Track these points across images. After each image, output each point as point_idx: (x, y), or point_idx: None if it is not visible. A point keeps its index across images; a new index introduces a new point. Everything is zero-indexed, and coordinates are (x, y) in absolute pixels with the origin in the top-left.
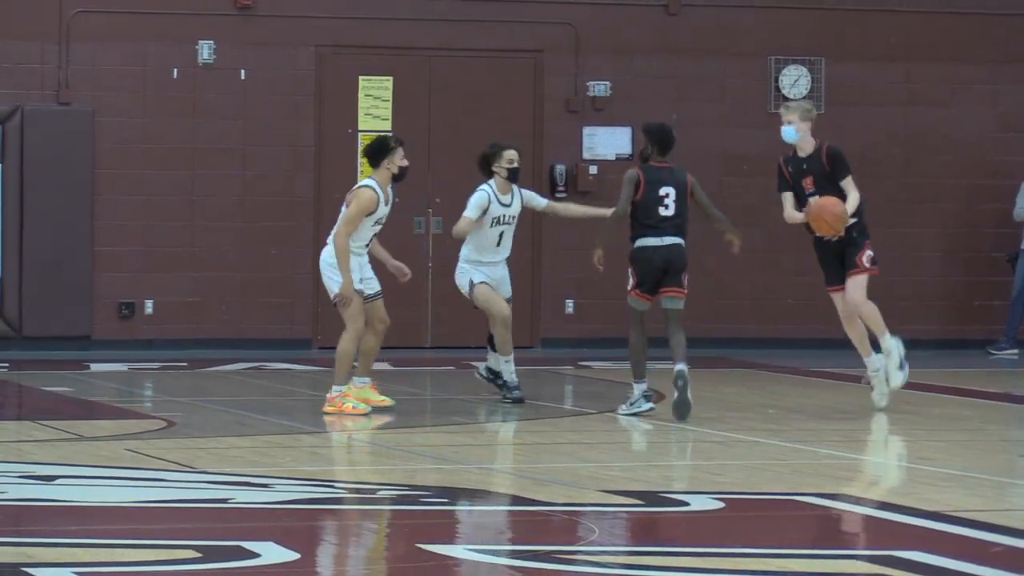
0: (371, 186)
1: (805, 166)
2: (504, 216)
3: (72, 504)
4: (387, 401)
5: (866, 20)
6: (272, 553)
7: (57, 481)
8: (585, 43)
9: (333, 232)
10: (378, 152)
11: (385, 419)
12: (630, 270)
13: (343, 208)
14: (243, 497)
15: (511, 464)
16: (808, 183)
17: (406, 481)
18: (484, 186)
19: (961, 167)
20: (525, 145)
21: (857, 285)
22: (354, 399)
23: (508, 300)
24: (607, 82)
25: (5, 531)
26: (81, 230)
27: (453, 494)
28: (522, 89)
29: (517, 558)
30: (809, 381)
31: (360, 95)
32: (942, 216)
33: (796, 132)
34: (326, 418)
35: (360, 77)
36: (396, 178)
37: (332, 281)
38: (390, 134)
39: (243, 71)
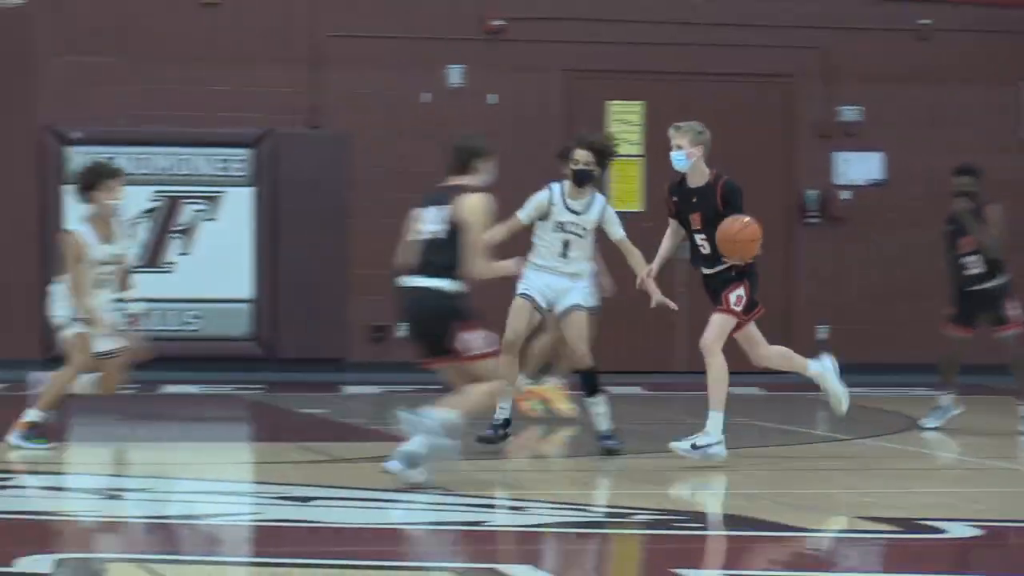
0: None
1: (694, 199)
2: (570, 224)
3: (327, 525)
4: (568, 410)
5: None
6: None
7: (312, 502)
8: (836, 68)
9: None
10: (563, 153)
11: (642, 443)
12: None
13: None
14: (498, 520)
15: (766, 489)
16: (695, 219)
17: (660, 506)
18: (552, 184)
19: None
20: (776, 170)
21: (712, 324)
22: (540, 398)
23: (577, 309)
24: (859, 107)
25: (262, 551)
26: (335, 253)
27: (707, 519)
28: (773, 114)
29: None
30: None
31: (609, 120)
32: None
33: (686, 158)
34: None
35: (609, 102)
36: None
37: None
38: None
39: (491, 95)
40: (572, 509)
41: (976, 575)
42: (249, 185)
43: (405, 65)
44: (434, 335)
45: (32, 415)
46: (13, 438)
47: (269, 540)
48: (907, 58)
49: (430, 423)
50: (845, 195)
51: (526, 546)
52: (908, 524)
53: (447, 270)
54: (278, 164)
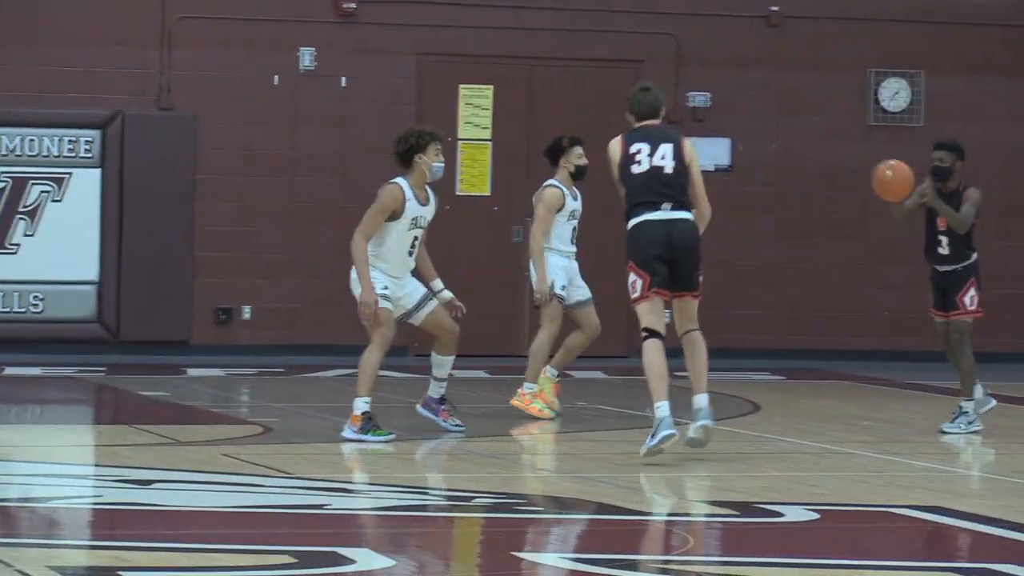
0: (555, 184)
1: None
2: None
3: (168, 508)
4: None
5: (967, 33)
6: (367, 559)
7: (153, 485)
8: (686, 54)
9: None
10: (554, 151)
11: (483, 426)
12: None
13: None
14: (339, 503)
15: (607, 473)
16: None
17: (501, 489)
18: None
19: None
20: None
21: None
22: (542, 401)
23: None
24: (707, 93)
25: (101, 534)
26: (180, 236)
27: (549, 503)
28: (622, 99)
29: (611, 567)
30: (905, 394)
31: (460, 104)
32: None
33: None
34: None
35: (460, 86)
36: (575, 176)
37: (530, 281)
38: (564, 136)
39: (344, 78)
40: (413, 492)
41: (814, 558)
42: (97, 167)
43: (257, 47)
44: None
45: None
46: None
47: (109, 523)
48: (756, 44)
49: None
50: None
51: (366, 529)
52: (747, 508)
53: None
54: (126, 146)
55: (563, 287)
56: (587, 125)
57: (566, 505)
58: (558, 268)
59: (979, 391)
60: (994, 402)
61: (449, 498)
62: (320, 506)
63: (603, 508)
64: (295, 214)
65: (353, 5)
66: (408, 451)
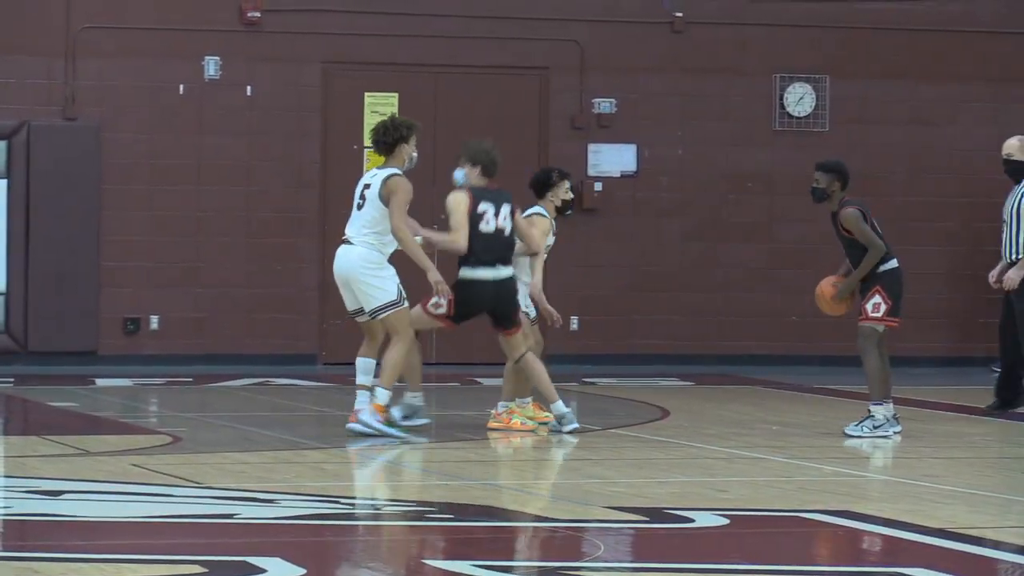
0: (543, 214)
1: None
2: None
3: (78, 519)
4: (550, 416)
5: (870, 38)
6: (278, 569)
7: (63, 496)
8: (591, 60)
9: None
10: (542, 185)
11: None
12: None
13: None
14: (249, 512)
15: (516, 480)
16: None
17: (412, 497)
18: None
19: (963, 185)
20: (530, 162)
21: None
22: (521, 415)
23: None
24: (612, 99)
25: (10, 546)
26: (87, 246)
27: (459, 510)
28: (528, 106)
29: (523, 574)
30: (813, 398)
31: (366, 112)
32: (944, 234)
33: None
34: (490, 434)
35: (366, 93)
36: (560, 210)
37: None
38: (555, 168)
39: (249, 87)
40: (325, 501)
41: (724, 563)
42: (3, 177)
43: (162, 57)
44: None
45: None
46: None
47: (19, 534)
48: (661, 50)
49: None
50: (598, 187)
51: (277, 538)
52: (656, 514)
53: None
54: (32, 156)
55: (526, 306)
56: (492, 132)
57: (476, 513)
58: (520, 293)
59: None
60: (897, 428)
61: (359, 506)
62: (230, 515)
63: (513, 515)
64: (202, 223)
65: (258, 14)
66: (317, 460)
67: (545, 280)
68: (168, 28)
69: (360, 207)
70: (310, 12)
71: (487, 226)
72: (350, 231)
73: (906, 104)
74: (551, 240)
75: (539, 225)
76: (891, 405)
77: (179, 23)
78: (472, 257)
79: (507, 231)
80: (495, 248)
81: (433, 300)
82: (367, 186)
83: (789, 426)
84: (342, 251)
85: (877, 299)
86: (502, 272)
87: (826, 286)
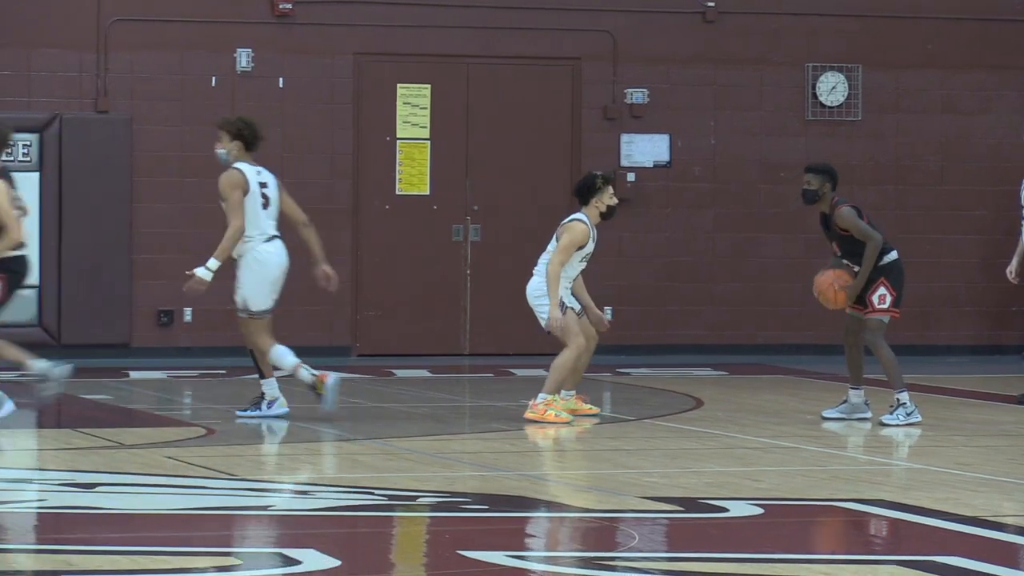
0: (583, 220)
1: None
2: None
3: (113, 512)
4: (593, 409)
5: (902, 27)
6: (313, 560)
7: (97, 489)
8: (623, 51)
9: (541, 262)
10: (587, 190)
11: (426, 425)
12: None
13: (553, 239)
14: (283, 504)
15: (551, 470)
16: None
17: (446, 488)
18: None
19: (995, 173)
20: (563, 152)
21: None
22: (557, 408)
23: None
24: (645, 90)
25: (46, 539)
26: (119, 238)
27: (493, 501)
28: (560, 96)
29: (557, 564)
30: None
31: (398, 103)
32: (977, 222)
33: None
34: (528, 426)
35: (398, 85)
36: (605, 216)
37: (543, 308)
38: (599, 173)
39: (281, 79)
40: (358, 492)
41: (759, 553)
42: (35, 170)
43: (193, 49)
44: None
45: None
46: None
47: (55, 527)
48: (693, 40)
49: None
50: (631, 177)
51: (312, 530)
52: (691, 503)
53: None
54: (64, 149)
55: (572, 301)
56: (524, 123)
57: (511, 503)
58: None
59: (860, 395)
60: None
61: (393, 497)
62: (264, 507)
63: (548, 505)
64: None
65: (289, 5)
66: (351, 451)
67: (584, 276)
68: (200, 20)
69: (266, 206)
70: (342, 3)
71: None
72: (274, 228)
73: (939, 93)
74: (591, 247)
75: (573, 231)
76: (862, 391)
77: (211, 15)
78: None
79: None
80: None
81: None
82: (264, 184)
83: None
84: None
85: (883, 291)
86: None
87: (824, 283)
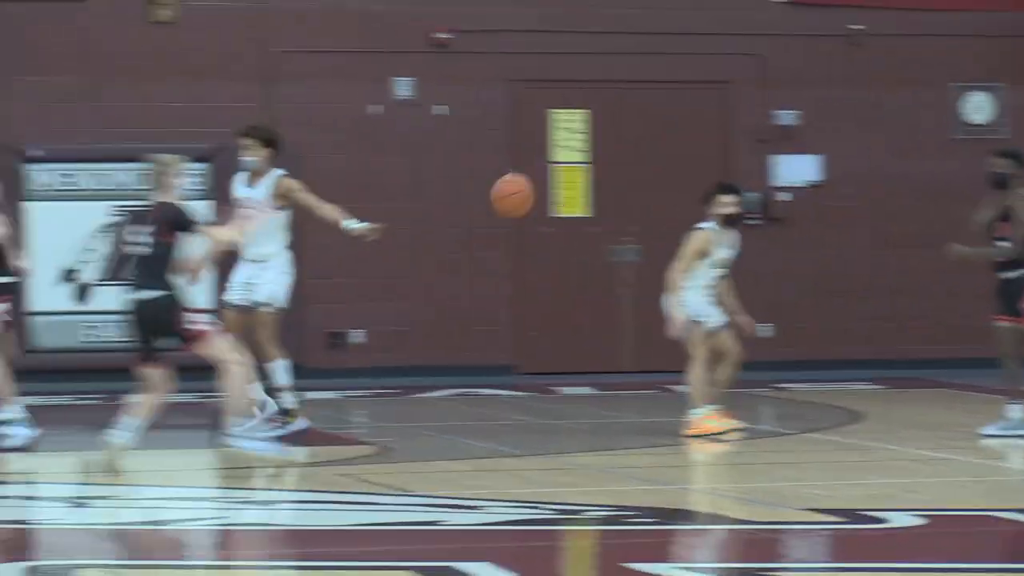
0: (706, 228)
1: None
2: (724, 261)
3: (291, 528)
4: (738, 424)
5: None
6: (488, 573)
7: (274, 506)
8: (772, 74)
9: None
10: (705, 199)
11: (591, 441)
12: None
13: None
14: (456, 519)
15: (713, 484)
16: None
17: (613, 502)
18: (706, 225)
19: None
20: (715, 174)
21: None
22: (712, 418)
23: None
24: (795, 111)
25: (225, 555)
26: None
27: (659, 514)
28: (711, 119)
29: None
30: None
31: (553, 128)
32: None
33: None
34: (689, 441)
35: (552, 110)
36: (727, 223)
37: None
38: (719, 183)
39: (440, 107)
40: (526, 507)
41: (919, 563)
42: (207, 198)
43: (354, 78)
44: None
45: None
46: None
47: (235, 544)
48: (841, 63)
49: None
50: (784, 197)
51: (483, 544)
52: (852, 515)
53: None
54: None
55: (698, 314)
56: (676, 145)
57: (676, 516)
58: (689, 302)
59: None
60: None
61: (562, 512)
62: (437, 522)
63: (712, 519)
64: (402, 239)
65: (447, 35)
66: (519, 467)
67: (737, 288)
68: (363, 51)
69: None
70: (498, 32)
71: None
72: None
73: None
74: (720, 253)
75: (691, 238)
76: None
77: (373, 46)
78: None
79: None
80: None
81: None
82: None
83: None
84: None
85: None
86: None
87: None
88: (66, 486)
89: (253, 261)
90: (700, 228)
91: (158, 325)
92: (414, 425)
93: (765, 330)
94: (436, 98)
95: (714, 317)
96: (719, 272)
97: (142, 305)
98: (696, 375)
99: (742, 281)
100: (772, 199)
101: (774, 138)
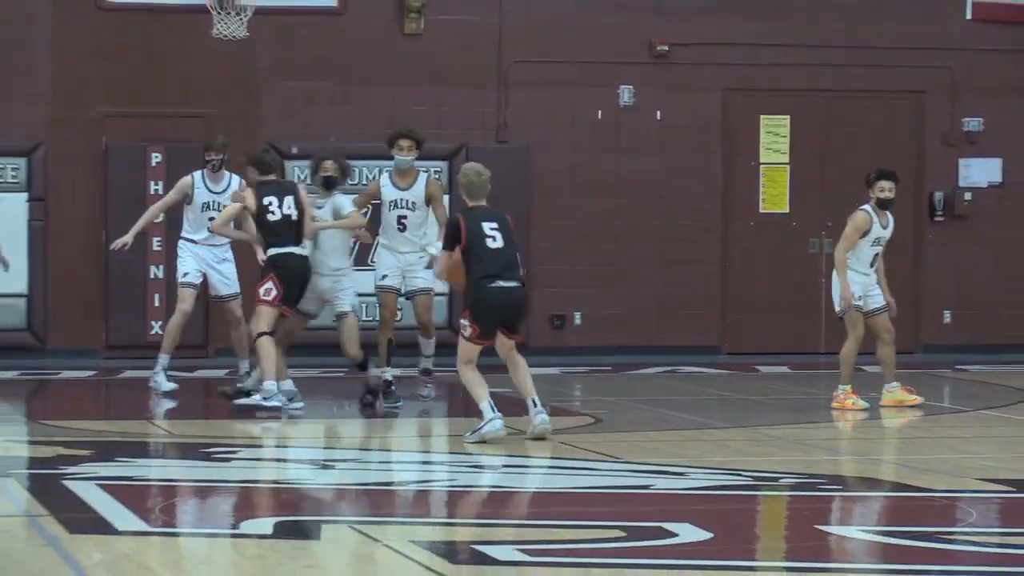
0: (866, 210)
1: None
2: (882, 238)
3: (516, 490)
4: (917, 400)
5: None
6: (689, 533)
7: (502, 470)
8: (961, 84)
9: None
10: (867, 182)
11: (786, 415)
12: None
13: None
14: (663, 484)
15: (896, 455)
16: None
17: (804, 470)
18: (866, 207)
19: None
20: (908, 175)
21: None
22: (855, 397)
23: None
24: (980, 118)
25: (456, 512)
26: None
27: (846, 482)
28: (905, 125)
29: (906, 538)
30: None
31: (762, 132)
32: None
33: None
34: (833, 413)
35: (761, 116)
36: (882, 206)
37: (834, 292)
38: (877, 169)
39: (659, 112)
40: (727, 474)
41: None
42: (446, 193)
43: (582, 86)
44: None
45: None
46: None
47: (462, 503)
48: (1023, 75)
49: None
50: (967, 196)
51: (687, 507)
52: (1021, 485)
53: None
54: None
55: (860, 297)
56: (873, 149)
57: (861, 484)
58: (854, 283)
59: None
60: None
61: (757, 478)
62: (646, 487)
63: (895, 486)
64: (619, 231)
65: (666, 47)
66: (721, 438)
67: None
68: (587, 61)
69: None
70: (712, 45)
71: (274, 216)
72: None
73: None
74: (878, 232)
75: (852, 219)
76: None
77: (597, 57)
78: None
79: (293, 217)
80: (282, 231)
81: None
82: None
83: None
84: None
85: None
86: (298, 249)
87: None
88: (315, 451)
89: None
90: (860, 210)
91: (521, 314)
92: (627, 399)
93: (945, 316)
94: (656, 104)
95: (874, 298)
96: (877, 250)
97: (516, 292)
98: (848, 351)
99: (928, 271)
100: (957, 198)
101: (960, 143)
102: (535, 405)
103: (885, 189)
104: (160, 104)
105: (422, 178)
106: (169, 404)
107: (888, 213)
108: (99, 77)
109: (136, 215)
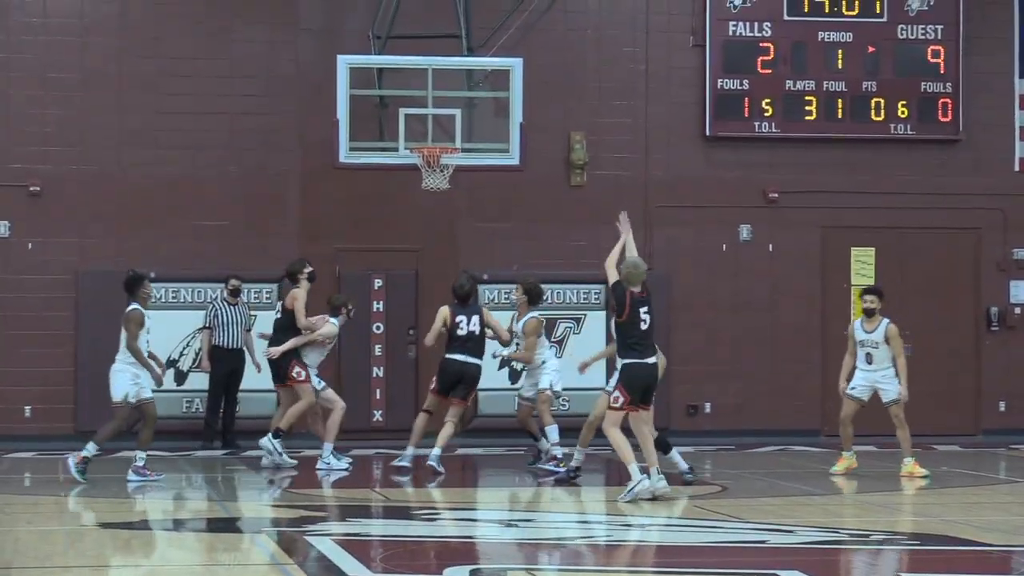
0: (853, 322)
1: None
2: (865, 341)
3: (663, 544)
4: (924, 472)
5: None
6: None
7: (647, 528)
8: (1012, 222)
9: None
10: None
11: (874, 484)
12: None
13: None
14: (775, 539)
15: (962, 517)
16: None
17: (890, 528)
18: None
19: None
20: (969, 294)
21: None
22: (918, 467)
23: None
24: None
25: (614, 562)
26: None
27: (922, 538)
28: (967, 254)
29: None
30: None
31: (852, 261)
32: None
33: None
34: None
35: (852, 248)
36: (867, 313)
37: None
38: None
39: (771, 245)
40: (827, 531)
41: None
42: (601, 309)
43: (711, 225)
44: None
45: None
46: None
47: (616, 555)
48: None
49: None
50: (1017, 311)
51: (796, 557)
52: None
53: None
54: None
55: (853, 387)
56: (940, 272)
57: (935, 539)
58: (855, 376)
59: None
60: None
61: (851, 535)
62: (762, 541)
63: (963, 541)
64: (739, 336)
65: (776, 195)
66: (822, 503)
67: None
68: (714, 205)
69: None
70: (813, 192)
71: (461, 331)
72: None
73: None
74: (865, 335)
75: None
76: None
77: (722, 202)
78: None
79: (477, 332)
80: (468, 343)
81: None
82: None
83: None
84: None
85: None
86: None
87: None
88: (498, 512)
89: None
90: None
91: (655, 384)
92: (746, 471)
93: (1002, 406)
94: (768, 239)
95: (887, 392)
96: (867, 351)
97: (654, 369)
98: (904, 434)
99: (986, 370)
100: (1008, 312)
101: (1011, 268)
102: (657, 472)
103: (867, 301)
104: (381, 241)
105: None
106: (397, 477)
107: (877, 320)
108: (333, 220)
109: (360, 329)
